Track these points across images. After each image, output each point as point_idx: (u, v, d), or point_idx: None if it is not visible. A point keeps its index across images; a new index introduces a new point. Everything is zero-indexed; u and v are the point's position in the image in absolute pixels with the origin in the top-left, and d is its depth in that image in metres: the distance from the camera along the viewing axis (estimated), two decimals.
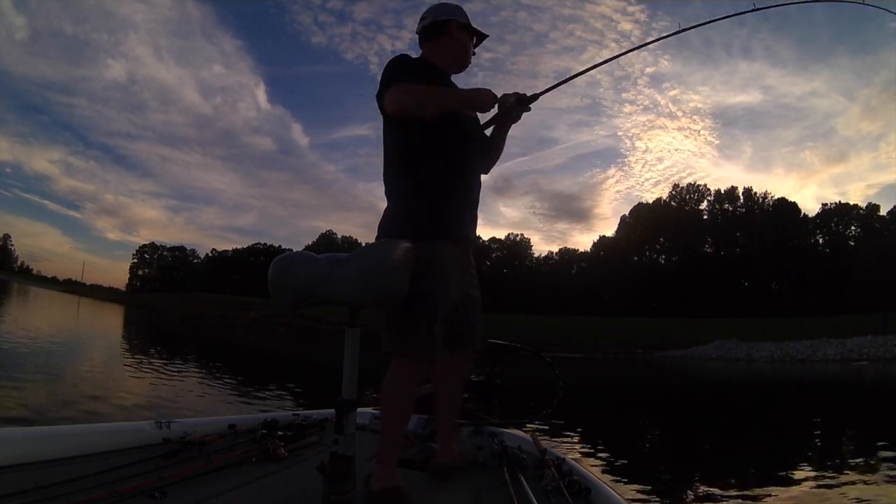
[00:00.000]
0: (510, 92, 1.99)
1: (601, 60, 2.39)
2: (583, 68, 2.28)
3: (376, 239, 1.82)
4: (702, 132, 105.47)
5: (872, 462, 5.60)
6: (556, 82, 2.15)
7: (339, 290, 1.49)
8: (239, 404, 7.47)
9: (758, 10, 2.39)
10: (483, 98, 1.87)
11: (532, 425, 2.80)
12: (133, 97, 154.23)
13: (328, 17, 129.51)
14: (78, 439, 1.77)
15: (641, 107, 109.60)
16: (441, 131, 1.82)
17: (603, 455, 6.04)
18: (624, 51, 2.49)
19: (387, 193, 1.89)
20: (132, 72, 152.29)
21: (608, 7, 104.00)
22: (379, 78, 1.84)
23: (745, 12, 2.42)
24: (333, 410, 1.48)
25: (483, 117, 2.05)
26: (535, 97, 1.99)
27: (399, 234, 1.70)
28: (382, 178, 1.91)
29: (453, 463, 1.97)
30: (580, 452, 5.87)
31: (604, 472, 5.01)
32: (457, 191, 1.87)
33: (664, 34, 2.58)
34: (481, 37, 2.07)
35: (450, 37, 1.95)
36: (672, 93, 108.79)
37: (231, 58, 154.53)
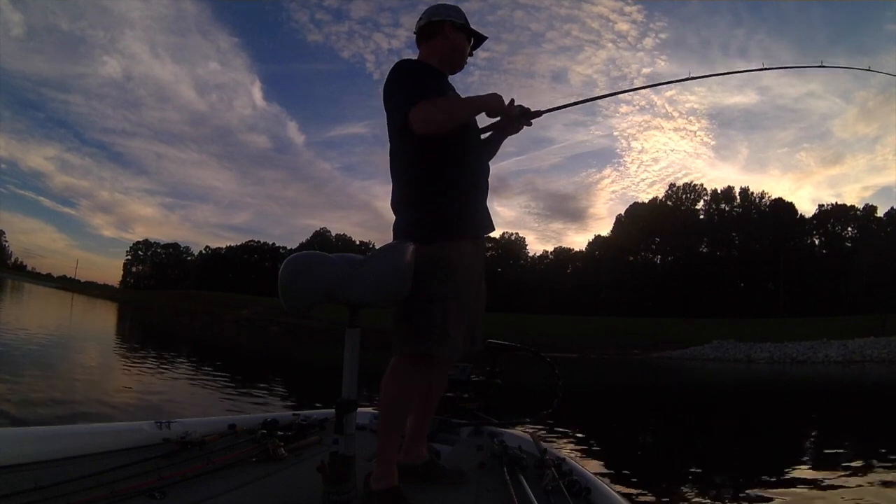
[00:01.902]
0: (502, 96, 2.03)
1: (610, 92, 2.57)
2: (590, 92, 2.41)
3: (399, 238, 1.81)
4: (698, 133, 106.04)
5: (876, 465, 5.58)
6: (561, 103, 2.29)
7: (361, 291, 1.50)
8: (238, 404, 7.44)
9: (767, 69, 2.60)
10: (492, 103, 1.90)
11: (532, 425, 2.80)
12: (129, 94, 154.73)
13: (324, 15, 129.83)
14: (78, 439, 1.76)
15: (637, 107, 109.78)
16: (459, 134, 1.84)
17: (603, 455, 6.04)
18: (634, 87, 2.60)
19: (402, 198, 1.87)
20: (128, 69, 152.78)
21: (605, 7, 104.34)
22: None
23: (754, 70, 2.66)
24: (333, 410, 1.48)
25: (483, 122, 2.06)
26: (538, 113, 2.05)
27: (426, 237, 1.73)
28: (394, 181, 1.90)
29: (421, 465, 1.94)
30: (580, 452, 5.87)
31: (604, 472, 5.01)
32: (475, 191, 1.91)
33: (678, 78, 2.67)
34: (480, 38, 2.08)
35: (444, 38, 1.97)
36: (668, 93, 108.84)
37: (227, 55, 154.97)
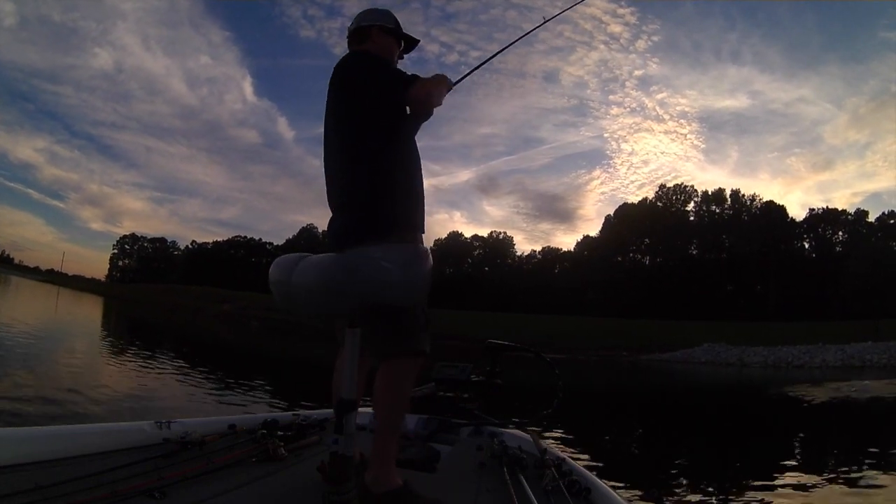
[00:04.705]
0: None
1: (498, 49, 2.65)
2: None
3: (368, 238, 1.67)
4: (688, 136, 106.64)
5: (873, 468, 5.63)
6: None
7: (408, 293, 1.50)
8: (237, 404, 7.38)
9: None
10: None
11: (532, 425, 2.81)
12: (119, 86, 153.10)
13: (317, 11, 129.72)
14: (78, 439, 1.75)
15: (628, 109, 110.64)
16: (413, 136, 1.91)
17: (603, 455, 6.07)
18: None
19: (377, 192, 1.75)
20: (119, 61, 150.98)
21: (598, 9, 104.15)
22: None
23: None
24: (333, 410, 1.48)
25: None
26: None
27: (414, 236, 1.75)
28: (363, 172, 1.80)
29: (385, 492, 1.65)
30: (580, 452, 5.89)
31: (604, 472, 5.03)
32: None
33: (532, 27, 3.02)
34: (411, 42, 2.12)
35: (372, 42, 2.00)
36: (659, 96, 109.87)
37: (218, 49, 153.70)
